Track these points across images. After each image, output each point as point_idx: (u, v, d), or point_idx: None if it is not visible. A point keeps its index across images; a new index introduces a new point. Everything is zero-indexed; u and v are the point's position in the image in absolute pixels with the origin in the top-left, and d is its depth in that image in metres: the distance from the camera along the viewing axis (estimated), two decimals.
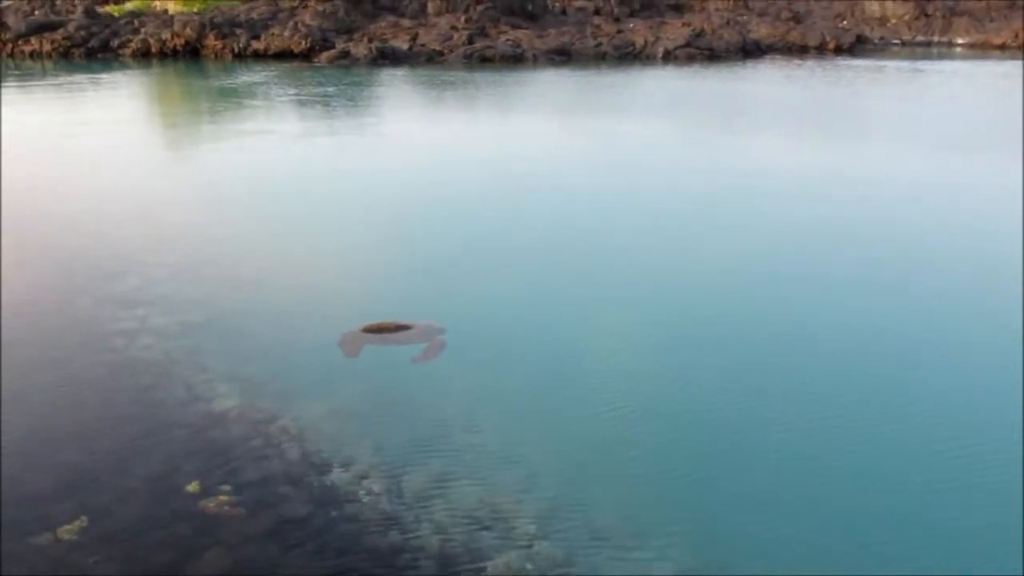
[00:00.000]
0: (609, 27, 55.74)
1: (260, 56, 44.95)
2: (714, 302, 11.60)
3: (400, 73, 40.74)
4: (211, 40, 45.17)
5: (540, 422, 8.33)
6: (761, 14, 65.36)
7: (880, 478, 7.42)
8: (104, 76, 37.93)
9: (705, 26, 55.94)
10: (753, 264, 13.32)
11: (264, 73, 38.92)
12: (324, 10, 49.15)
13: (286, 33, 45.68)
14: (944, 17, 69.30)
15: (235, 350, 9.69)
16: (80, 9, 48.90)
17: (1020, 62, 53.30)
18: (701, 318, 11.00)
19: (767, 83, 41.85)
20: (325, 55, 43.99)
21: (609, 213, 16.25)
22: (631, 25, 56.56)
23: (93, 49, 45.59)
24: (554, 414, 8.50)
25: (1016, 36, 65.78)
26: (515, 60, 47.03)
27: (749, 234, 14.98)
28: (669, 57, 50.26)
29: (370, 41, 46.07)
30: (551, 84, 38.88)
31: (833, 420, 8.35)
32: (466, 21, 50.93)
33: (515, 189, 18.22)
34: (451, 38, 48.57)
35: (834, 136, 26.64)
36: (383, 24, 50.34)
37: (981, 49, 64.42)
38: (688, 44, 51.59)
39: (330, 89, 34.08)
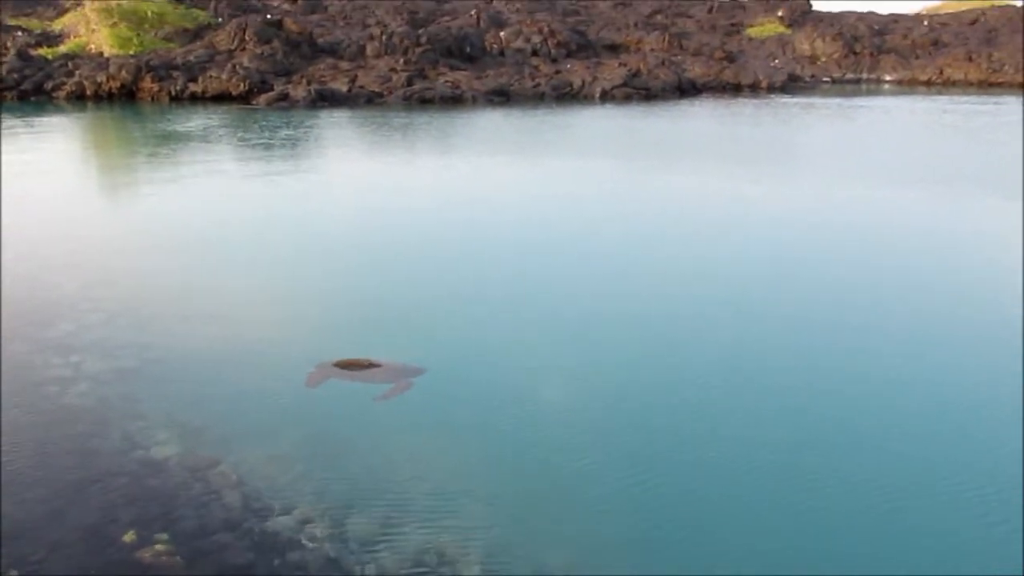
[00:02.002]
0: (547, 68, 56.35)
1: (198, 99, 44.66)
2: (666, 338, 11.70)
3: (340, 115, 40.70)
4: (147, 83, 44.78)
5: (493, 463, 8.28)
6: (695, 54, 66.50)
7: (829, 518, 7.50)
8: (37, 119, 37.34)
9: (641, 66, 56.79)
10: (703, 299, 13.45)
11: (201, 115, 38.64)
12: (262, 52, 49.03)
13: (224, 75, 45.47)
14: (872, 55, 71.16)
15: (174, 395, 9.52)
16: (12, 52, 48.23)
17: (944, 98, 54.93)
18: (655, 355, 11.08)
19: (703, 120, 42.60)
20: (264, 97, 43.82)
21: (560, 251, 16.35)
22: (569, 66, 57.24)
23: (26, 92, 44.94)
24: (508, 456, 8.45)
25: (940, 72, 67.79)
26: (454, 101, 47.28)
27: (694, 267, 15.15)
28: (607, 96, 50.94)
29: (309, 83, 46.02)
30: (492, 124, 39.11)
31: (783, 456, 8.44)
32: (405, 63, 51.12)
33: (467, 229, 18.23)
34: (390, 80, 48.71)
35: (767, 170, 27.14)
36: (322, 66, 50.32)
37: (908, 85, 66.27)
38: (625, 84, 52.35)
39: (269, 131, 33.93)
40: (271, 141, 31.15)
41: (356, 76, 48.76)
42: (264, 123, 36.31)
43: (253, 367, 10.39)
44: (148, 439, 8.49)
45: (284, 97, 44.07)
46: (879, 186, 23.64)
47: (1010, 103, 51.53)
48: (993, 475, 8.07)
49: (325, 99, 44.77)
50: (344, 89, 46.66)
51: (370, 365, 10.08)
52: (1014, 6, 78.61)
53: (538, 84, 52.20)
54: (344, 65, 51.10)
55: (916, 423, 9.24)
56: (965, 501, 7.64)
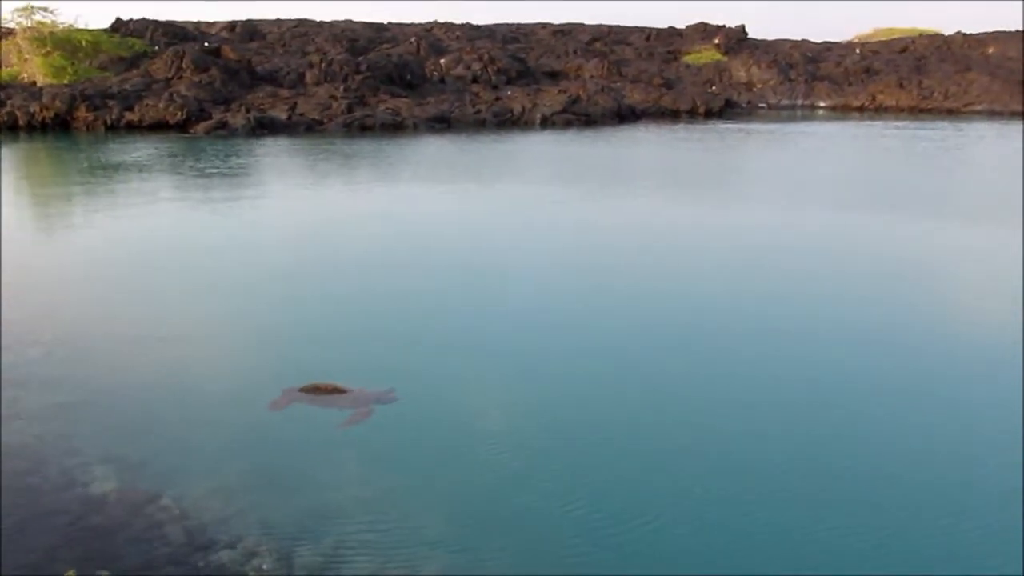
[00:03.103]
0: (487, 95, 56.64)
1: (134, 128, 44.08)
2: (620, 365, 11.83)
3: (280, 143, 40.46)
4: (82, 112, 44.12)
5: (446, 496, 8.24)
6: (634, 80, 67.31)
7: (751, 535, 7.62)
8: None
9: (581, 92, 57.32)
10: (655, 325, 13.61)
11: (139, 145, 38.15)
12: (200, 80, 48.66)
13: (161, 104, 44.98)
14: (806, 82, 72.62)
15: (115, 429, 9.38)
16: None
17: (879, 123, 56.25)
18: (611, 385, 11.18)
19: (643, 146, 43.11)
20: (202, 126, 43.43)
21: (511, 278, 16.47)
22: (509, 92, 57.59)
23: None
24: (461, 488, 8.41)
25: (873, 99, 69.39)
26: (395, 128, 47.29)
27: (645, 292, 15.32)
28: (547, 123, 51.30)
29: (248, 111, 45.71)
30: (435, 151, 39.18)
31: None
32: (345, 90, 51.04)
33: (416, 256, 18.23)
34: (330, 107, 48.59)
35: (704, 193, 27.58)
36: (261, 94, 50.05)
37: (842, 111, 67.71)
38: (565, 110, 52.78)
39: (210, 159, 33.63)
40: (212, 170, 30.87)
41: (296, 103, 48.56)
42: (205, 152, 35.97)
43: (200, 398, 10.29)
44: (88, 475, 8.35)
45: (223, 125, 43.72)
46: (835, 210, 24.18)
47: (944, 128, 52.97)
48: (939, 486, 8.27)
49: (265, 127, 44.51)
50: (284, 117, 46.43)
51: (335, 391, 10.04)
52: (941, 35, 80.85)
53: (479, 111, 52.44)
54: (284, 93, 50.88)
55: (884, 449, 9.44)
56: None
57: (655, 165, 35.72)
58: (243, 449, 9.01)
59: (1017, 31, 75.87)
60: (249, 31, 67.90)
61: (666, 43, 79.65)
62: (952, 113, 65.37)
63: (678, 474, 8.64)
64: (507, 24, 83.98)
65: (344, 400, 9.89)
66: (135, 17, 59.42)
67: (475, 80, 59.51)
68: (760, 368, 11.73)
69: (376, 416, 9.65)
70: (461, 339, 12.75)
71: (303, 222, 22.15)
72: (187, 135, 42.41)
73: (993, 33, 76.85)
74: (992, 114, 64.61)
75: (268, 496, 8.07)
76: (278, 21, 75.40)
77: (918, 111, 66.49)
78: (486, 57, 62.00)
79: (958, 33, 78.57)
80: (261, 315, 13.80)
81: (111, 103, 45.10)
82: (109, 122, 43.86)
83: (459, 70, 60.57)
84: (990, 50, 74.71)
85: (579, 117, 52.41)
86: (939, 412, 10.29)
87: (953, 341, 13.08)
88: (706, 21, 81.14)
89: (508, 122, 51.51)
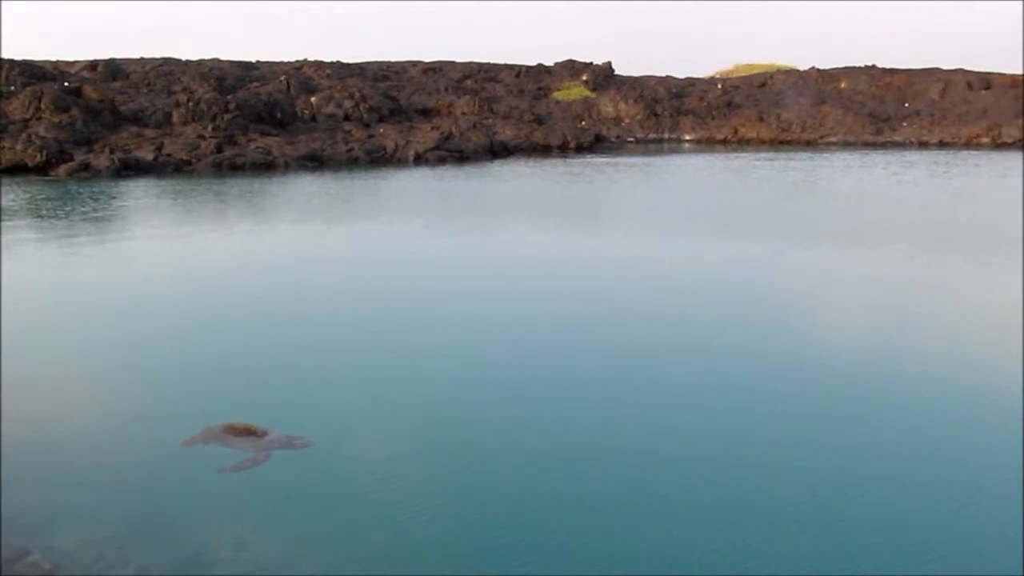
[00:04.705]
0: (360, 132, 56.51)
1: None
2: (512, 398, 11.91)
3: (148, 184, 39.39)
4: None
5: (322, 549, 8.10)
6: (505, 117, 68.23)
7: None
8: None
9: (453, 129, 57.76)
10: (532, 355, 13.76)
11: None
12: (60, 121, 47.10)
13: (19, 146, 43.32)
14: (672, 116, 74.90)
15: None
16: None
17: (746, 155, 58.34)
18: (497, 423, 11.24)
19: (516, 181, 43.62)
20: (64, 168, 41.98)
21: (399, 316, 16.45)
22: (381, 130, 57.63)
23: None
24: (338, 541, 8.27)
25: (735, 132, 71.98)
26: (267, 167, 46.71)
27: (522, 322, 15.49)
28: (421, 160, 51.50)
29: (112, 152, 44.46)
30: (308, 190, 38.79)
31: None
32: (213, 129, 50.19)
33: (294, 294, 18.02)
34: (199, 147, 47.70)
35: (573, 224, 28.10)
36: (125, 134, 48.77)
37: (706, 144, 70.01)
38: (438, 147, 53.10)
39: (69, 202, 32.52)
40: (72, 213, 29.85)
41: (162, 143, 47.50)
42: (63, 194, 34.75)
43: (76, 447, 9.93)
44: None
45: (86, 167, 42.38)
46: (726, 239, 24.95)
47: (807, 158, 55.39)
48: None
49: (130, 168, 43.37)
50: (150, 157, 45.33)
51: (249, 433, 9.83)
52: (797, 70, 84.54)
53: (351, 149, 52.27)
54: (149, 133, 49.71)
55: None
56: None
57: (533, 198, 36.20)
58: (124, 498, 8.73)
59: (867, 66, 80.00)
60: (112, 70, 66.11)
61: (536, 80, 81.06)
62: (810, 144, 68.36)
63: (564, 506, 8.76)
64: (378, 62, 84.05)
65: (249, 443, 9.70)
66: None
67: (347, 118, 59.32)
68: (617, 391, 12.01)
69: (277, 462, 9.46)
70: (352, 374, 12.66)
71: (179, 265, 21.65)
72: (48, 177, 40.93)
73: (845, 68, 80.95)
74: (846, 144, 67.84)
75: (142, 547, 7.83)
76: (142, 60, 73.69)
77: (778, 143, 69.30)
78: (357, 95, 61.93)
79: (813, 68, 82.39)
80: (132, 358, 13.41)
81: None
82: None
83: (330, 108, 60.30)
84: (842, 84, 78.60)
85: (452, 153, 52.79)
86: (846, 431, 10.72)
87: (818, 355, 13.66)
88: (574, 58, 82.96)
89: (381, 159, 51.50)
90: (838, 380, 12.60)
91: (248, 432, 9.90)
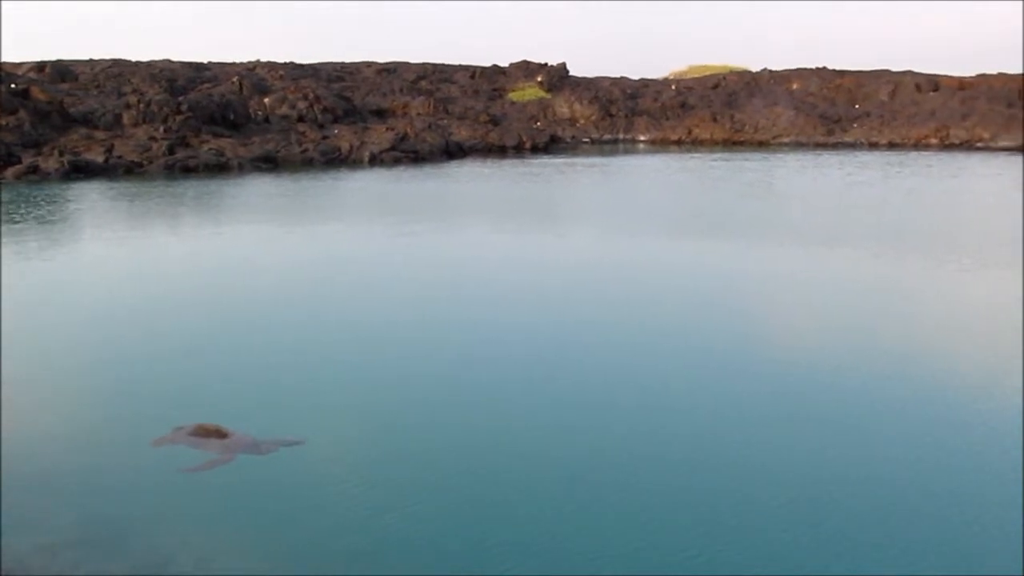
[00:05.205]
0: (314, 134, 56.12)
1: None
2: (476, 399, 11.87)
3: (98, 186, 38.75)
4: None
5: (282, 555, 7.96)
6: (461, 117, 68.14)
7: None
8: None
9: (408, 130, 57.59)
10: (496, 356, 13.73)
11: None
12: (7, 124, 46.22)
13: None
14: (626, 117, 75.26)
15: None
16: None
17: (700, 155, 58.80)
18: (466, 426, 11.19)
19: (472, 181, 43.60)
20: (11, 171, 41.16)
21: (357, 318, 16.36)
22: (336, 131, 57.27)
23: None
24: (294, 550, 8.14)
25: (689, 132, 72.50)
26: (220, 169, 46.21)
27: (487, 323, 15.46)
28: (376, 160, 51.24)
29: (61, 154, 43.71)
30: (263, 191, 38.45)
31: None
32: (165, 131, 49.56)
33: (251, 296, 17.85)
34: (150, 148, 47.10)
35: (543, 225, 28.13)
36: (75, 136, 48.00)
37: (661, 144, 70.43)
38: (393, 147, 52.89)
39: (23, 205, 31.91)
40: (31, 217, 29.31)
41: (113, 145, 46.81)
42: (14, 198, 34.11)
43: (39, 451, 9.73)
44: None
45: (34, 170, 41.60)
46: (696, 240, 25.09)
47: (762, 159, 55.94)
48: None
49: (80, 170, 42.65)
50: (101, 159, 44.65)
51: (218, 434, 9.70)
52: (750, 71, 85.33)
53: (306, 149, 51.89)
54: (99, 135, 48.97)
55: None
56: None
57: (498, 199, 36.23)
58: (82, 498, 8.57)
59: (818, 68, 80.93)
60: (60, 71, 64.99)
61: (491, 81, 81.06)
62: (762, 145, 69.05)
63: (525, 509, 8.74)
64: (331, 63, 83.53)
65: (216, 445, 9.57)
66: None
67: (301, 119, 58.87)
68: (579, 392, 12.04)
69: (241, 465, 9.33)
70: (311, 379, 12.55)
71: (136, 268, 21.35)
72: None
73: (796, 70, 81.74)
74: (798, 145, 68.58)
75: (96, 551, 7.68)
76: (91, 61, 72.55)
77: (731, 143, 69.90)
78: (311, 96, 61.48)
79: (765, 70, 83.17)
80: (88, 365, 13.19)
81: None
82: None
83: (284, 109, 59.82)
84: (794, 85, 79.41)
85: (407, 154, 52.62)
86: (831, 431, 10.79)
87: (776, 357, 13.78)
88: (528, 59, 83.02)
89: (336, 160, 51.19)
90: (821, 380, 12.72)
91: (217, 433, 9.78)
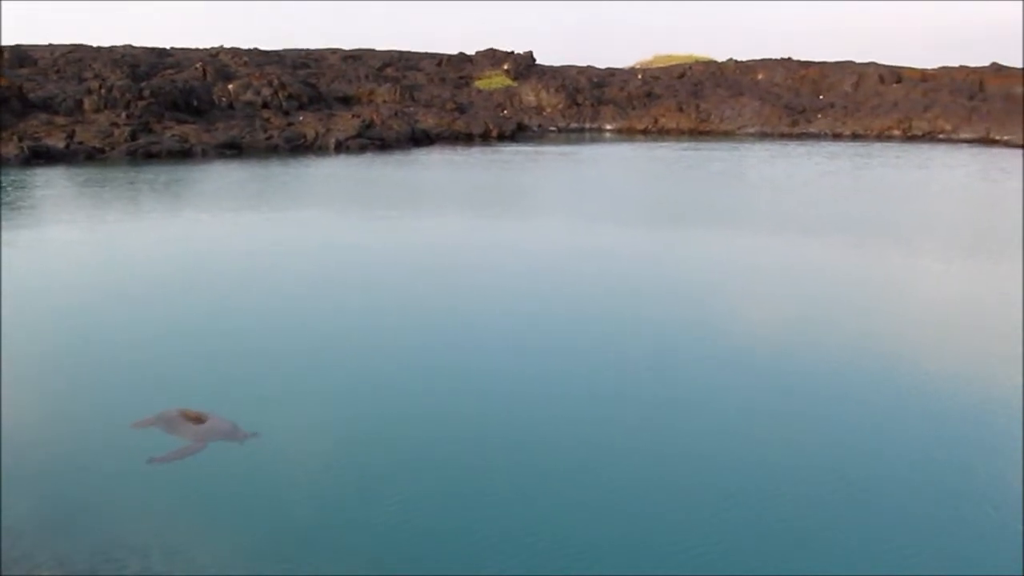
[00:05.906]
0: (279, 120, 55.62)
1: None
2: (449, 389, 11.81)
3: (59, 172, 38.13)
4: None
5: (245, 548, 7.83)
6: (427, 105, 67.80)
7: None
8: None
9: (374, 117, 57.24)
10: (464, 346, 13.68)
11: None
12: None
13: None
14: (593, 106, 75.24)
15: None
16: None
17: (667, 145, 58.96)
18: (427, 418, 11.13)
19: (439, 169, 43.46)
20: None
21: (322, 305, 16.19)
22: (301, 118, 56.79)
23: None
24: (257, 541, 8.02)
25: (656, 122, 72.64)
26: (183, 155, 45.69)
27: (453, 314, 15.40)
28: (342, 148, 50.88)
29: (20, 140, 43.00)
30: (231, 178, 38.06)
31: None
32: (127, 117, 48.89)
33: (214, 283, 17.67)
34: (112, 134, 46.45)
35: (517, 213, 28.12)
36: (35, 122, 47.20)
37: (627, 133, 70.49)
38: (359, 135, 52.55)
39: None
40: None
41: (74, 131, 46.12)
42: None
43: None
44: None
45: None
46: (676, 230, 25.20)
47: (730, 148, 56.20)
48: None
49: (41, 156, 42.00)
50: (62, 145, 44.00)
51: (195, 419, 9.58)
52: (715, 62, 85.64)
53: (271, 136, 51.42)
54: (60, 120, 48.21)
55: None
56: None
57: (469, 186, 36.17)
58: (50, 481, 8.43)
59: (783, 59, 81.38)
60: (18, 56, 63.84)
61: (457, 69, 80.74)
62: (728, 135, 69.31)
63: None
64: (296, 50, 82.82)
65: (191, 431, 9.44)
66: None
67: (265, 105, 58.30)
68: (547, 379, 12.02)
69: (215, 452, 9.21)
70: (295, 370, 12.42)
71: (105, 255, 21.05)
72: None
73: (762, 60, 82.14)
74: (763, 135, 68.91)
75: (62, 534, 7.55)
76: (51, 46, 71.43)
77: (697, 133, 70.09)
78: (276, 82, 60.89)
79: (730, 60, 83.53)
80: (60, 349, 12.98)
81: None
82: None
83: (248, 96, 59.20)
84: (759, 76, 79.80)
85: (373, 142, 52.32)
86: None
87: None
88: (495, 47, 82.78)
89: (302, 147, 50.77)
90: (818, 374, 12.77)
91: (196, 418, 9.66)
